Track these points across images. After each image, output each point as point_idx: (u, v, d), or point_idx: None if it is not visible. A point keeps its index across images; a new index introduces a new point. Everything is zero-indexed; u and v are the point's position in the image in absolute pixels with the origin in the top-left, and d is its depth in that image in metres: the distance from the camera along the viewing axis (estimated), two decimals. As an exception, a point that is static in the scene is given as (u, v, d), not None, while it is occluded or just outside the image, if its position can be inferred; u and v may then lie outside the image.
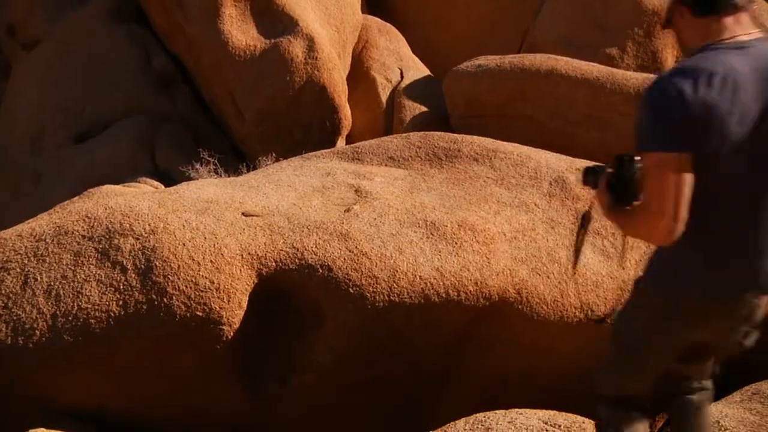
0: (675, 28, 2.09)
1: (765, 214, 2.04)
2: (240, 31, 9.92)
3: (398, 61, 11.68)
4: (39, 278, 4.61)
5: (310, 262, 4.82)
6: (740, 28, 1.93)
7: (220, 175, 8.63)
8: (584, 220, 2.43)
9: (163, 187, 8.80)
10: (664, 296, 2.20)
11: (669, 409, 2.49)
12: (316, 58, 9.82)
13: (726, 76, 1.85)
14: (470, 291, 4.90)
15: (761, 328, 2.39)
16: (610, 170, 2.14)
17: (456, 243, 5.11)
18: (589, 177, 2.30)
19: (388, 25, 12.30)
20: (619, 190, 2.07)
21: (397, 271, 4.87)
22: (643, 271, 2.33)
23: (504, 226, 5.37)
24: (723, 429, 4.42)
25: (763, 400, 4.77)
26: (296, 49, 9.75)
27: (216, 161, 9.14)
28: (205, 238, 4.80)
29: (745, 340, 2.29)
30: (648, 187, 1.94)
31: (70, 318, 4.41)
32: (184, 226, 4.87)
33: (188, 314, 4.50)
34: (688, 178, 1.89)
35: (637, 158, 2.07)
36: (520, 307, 5.03)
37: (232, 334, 4.61)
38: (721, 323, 2.21)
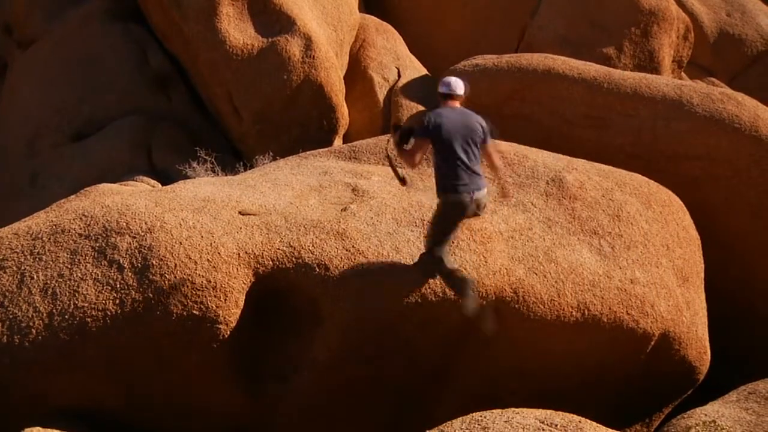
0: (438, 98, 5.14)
1: (463, 161, 4.84)
2: (237, 30, 9.90)
3: (395, 60, 11.66)
4: (35, 276, 4.61)
5: (307, 260, 4.82)
6: (457, 103, 5.00)
7: (217, 174, 8.61)
8: (395, 139, 5.01)
9: (159, 185, 8.77)
10: (441, 196, 4.85)
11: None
12: (314, 57, 9.81)
13: (441, 115, 4.88)
14: (467, 290, 4.90)
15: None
16: (399, 128, 4.97)
17: (453, 242, 5.11)
18: (395, 130, 5.00)
19: (386, 24, 12.28)
20: (401, 138, 4.89)
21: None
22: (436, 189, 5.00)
23: (501, 226, 5.38)
24: (720, 428, 4.43)
25: (759, 399, 4.79)
26: (293, 48, 9.73)
27: (213, 160, 9.10)
28: (202, 236, 4.80)
29: (478, 211, 4.93)
30: (413, 147, 4.84)
31: (66, 316, 4.41)
32: (180, 224, 4.86)
33: (185, 313, 4.50)
34: (426, 146, 4.89)
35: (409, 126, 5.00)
36: (516, 306, 5.04)
37: (229, 333, 4.60)
38: (466, 208, 4.83)
